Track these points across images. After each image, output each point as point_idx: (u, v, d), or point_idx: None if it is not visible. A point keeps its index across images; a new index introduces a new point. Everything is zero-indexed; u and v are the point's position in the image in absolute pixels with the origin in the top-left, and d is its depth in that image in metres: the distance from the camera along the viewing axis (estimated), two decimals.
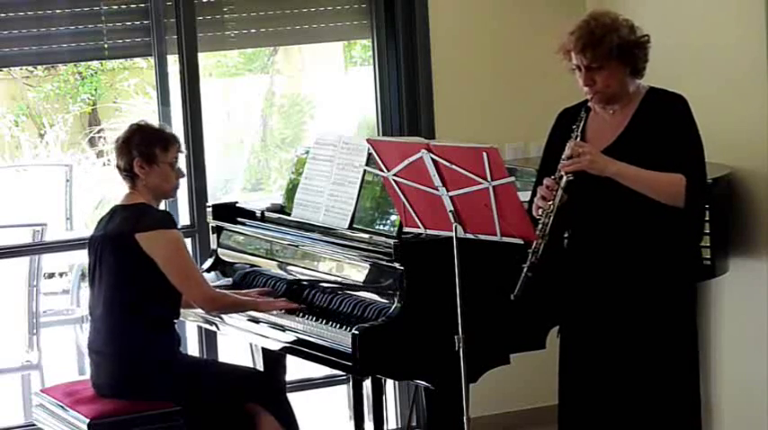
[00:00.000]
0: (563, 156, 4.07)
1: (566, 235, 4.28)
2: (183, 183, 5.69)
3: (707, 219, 4.83)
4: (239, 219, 5.23)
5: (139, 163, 4.69)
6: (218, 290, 4.93)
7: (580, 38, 4.06)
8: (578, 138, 4.11)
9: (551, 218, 4.03)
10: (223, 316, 4.98)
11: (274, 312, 4.73)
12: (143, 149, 4.70)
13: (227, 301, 4.84)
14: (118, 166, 4.76)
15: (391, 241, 4.41)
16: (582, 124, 4.14)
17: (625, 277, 4.14)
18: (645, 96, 4.16)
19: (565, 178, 4.04)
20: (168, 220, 4.71)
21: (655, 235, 4.11)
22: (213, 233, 5.33)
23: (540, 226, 4.02)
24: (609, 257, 4.16)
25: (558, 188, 4.05)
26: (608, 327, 4.18)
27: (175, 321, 4.79)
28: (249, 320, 4.84)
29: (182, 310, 5.16)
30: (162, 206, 5.16)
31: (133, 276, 4.63)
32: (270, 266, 5.02)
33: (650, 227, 4.10)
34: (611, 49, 4.04)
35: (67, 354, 7.01)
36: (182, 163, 5.66)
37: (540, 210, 4.06)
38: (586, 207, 4.16)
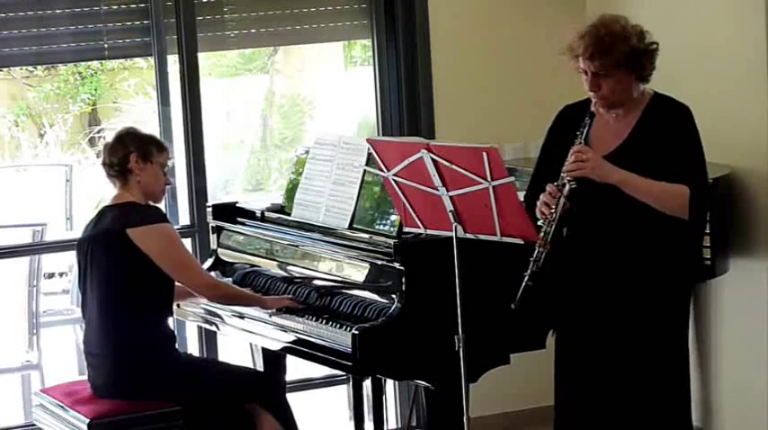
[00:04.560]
0: (566, 163, 4.04)
1: (564, 233, 4.27)
2: (183, 183, 5.72)
3: (707, 218, 4.82)
4: (239, 219, 5.23)
5: (136, 158, 4.68)
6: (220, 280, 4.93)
7: (589, 45, 4.01)
8: (582, 144, 4.09)
9: (553, 226, 4.01)
10: (223, 316, 4.99)
11: (274, 311, 4.73)
12: (139, 145, 4.70)
13: (231, 291, 4.86)
14: (109, 164, 4.71)
15: (391, 241, 4.41)
16: (586, 130, 4.11)
17: (623, 279, 4.13)
18: (649, 103, 4.13)
19: (568, 186, 4.01)
20: (159, 215, 4.70)
21: (655, 239, 4.10)
22: (213, 233, 5.32)
23: (541, 234, 4.00)
24: (607, 260, 4.15)
25: (560, 196, 4.02)
26: (602, 328, 4.17)
27: (170, 318, 4.78)
28: (249, 320, 4.85)
29: (181, 309, 5.18)
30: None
31: (125, 271, 4.62)
32: (270, 266, 5.02)
33: (651, 231, 4.09)
34: (620, 58, 4.00)
35: (67, 354, 7.00)
36: (181, 167, 5.67)
37: (543, 218, 4.04)
38: (588, 211, 4.14)
